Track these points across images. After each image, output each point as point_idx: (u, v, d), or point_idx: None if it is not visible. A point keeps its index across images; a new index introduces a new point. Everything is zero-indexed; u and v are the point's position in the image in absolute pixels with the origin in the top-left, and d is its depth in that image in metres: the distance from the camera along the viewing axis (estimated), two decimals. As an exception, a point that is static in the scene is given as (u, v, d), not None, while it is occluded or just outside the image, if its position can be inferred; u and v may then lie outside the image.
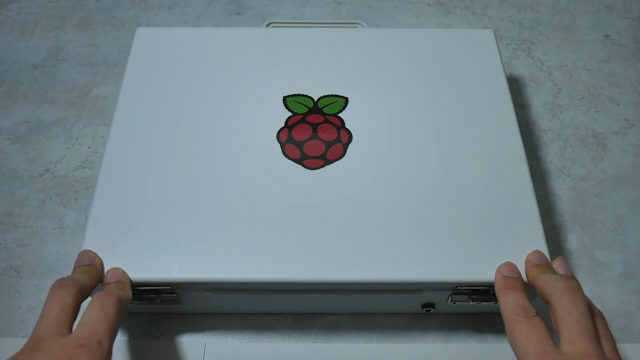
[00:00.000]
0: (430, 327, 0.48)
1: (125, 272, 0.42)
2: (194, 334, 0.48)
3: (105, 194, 0.46)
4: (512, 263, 0.42)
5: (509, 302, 0.38)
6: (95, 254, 0.42)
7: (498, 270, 0.42)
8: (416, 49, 0.57)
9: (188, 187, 0.47)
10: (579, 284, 0.38)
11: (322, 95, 0.53)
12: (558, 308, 0.36)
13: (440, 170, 0.48)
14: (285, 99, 0.53)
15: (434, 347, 0.47)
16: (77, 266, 0.41)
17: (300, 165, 0.48)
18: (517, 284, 0.40)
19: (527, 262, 0.42)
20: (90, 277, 0.40)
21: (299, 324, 0.48)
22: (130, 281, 0.42)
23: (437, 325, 0.48)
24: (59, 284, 0.38)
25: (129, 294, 0.41)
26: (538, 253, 0.42)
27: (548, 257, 0.43)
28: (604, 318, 0.38)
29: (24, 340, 0.48)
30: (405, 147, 0.49)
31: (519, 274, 0.41)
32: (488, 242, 0.44)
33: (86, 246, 0.43)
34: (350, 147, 0.49)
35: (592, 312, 0.37)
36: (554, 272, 0.40)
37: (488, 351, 0.47)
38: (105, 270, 0.42)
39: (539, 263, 0.41)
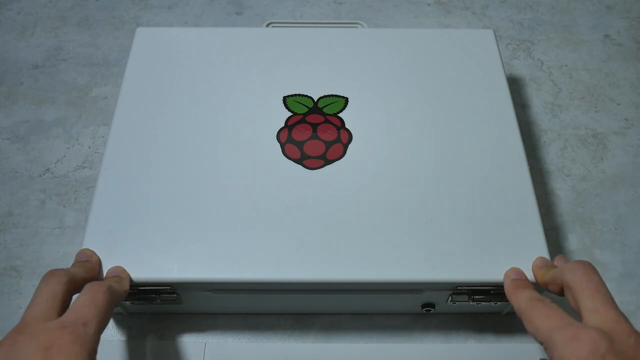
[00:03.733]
0: (430, 327, 0.48)
1: (125, 270, 0.42)
2: (194, 334, 0.48)
3: (105, 194, 0.46)
4: (518, 268, 0.42)
5: (524, 297, 0.38)
6: (93, 252, 0.42)
7: (506, 276, 0.42)
8: (416, 49, 0.57)
9: (188, 187, 0.47)
10: (588, 261, 0.38)
11: (322, 95, 0.53)
12: (573, 284, 0.36)
13: (440, 170, 0.48)
14: (285, 99, 0.53)
15: (434, 347, 0.47)
16: (75, 263, 0.42)
17: (300, 165, 0.48)
18: (527, 284, 0.41)
19: (533, 267, 0.42)
20: (84, 271, 0.40)
21: (299, 324, 0.48)
22: (131, 280, 0.42)
23: (437, 325, 0.48)
24: (50, 273, 0.38)
25: (125, 286, 0.41)
26: (541, 258, 0.43)
27: (548, 257, 0.43)
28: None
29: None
30: (405, 147, 0.49)
31: (526, 277, 0.42)
32: (488, 242, 0.44)
33: (86, 246, 0.43)
34: (350, 147, 0.49)
35: None
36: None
37: (488, 351, 0.47)
38: (105, 269, 0.42)
39: (544, 265, 0.42)
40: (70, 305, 0.36)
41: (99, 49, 0.68)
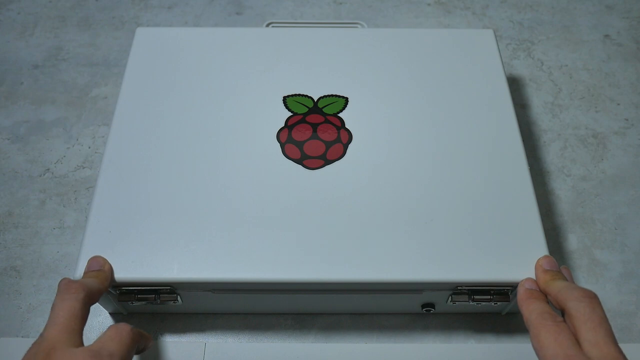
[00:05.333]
0: (430, 327, 0.48)
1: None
2: (194, 334, 0.48)
3: (105, 194, 0.46)
4: (533, 279, 0.42)
5: (535, 309, 0.38)
6: (105, 259, 0.42)
7: (520, 284, 0.42)
8: (416, 49, 0.57)
9: (188, 187, 0.47)
10: (594, 292, 0.38)
11: (322, 95, 0.53)
12: (576, 314, 0.36)
13: (440, 170, 0.48)
14: (285, 99, 0.53)
15: (434, 347, 0.47)
16: (87, 272, 0.41)
17: (300, 165, 0.48)
18: (541, 296, 0.40)
19: (537, 267, 0.42)
20: (98, 282, 0.40)
21: (299, 324, 0.48)
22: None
23: (437, 325, 0.48)
24: (66, 287, 0.37)
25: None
26: (548, 258, 0.42)
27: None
28: None
29: (24, 340, 0.48)
30: (405, 147, 0.49)
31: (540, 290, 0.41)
32: (488, 242, 0.44)
33: (86, 246, 0.43)
34: (350, 147, 0.49)
35: None
36: (565, 279, 0.40)
37: (488, 351, 0.47)
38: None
39: (549, 269, 0.41)
40: (97, 339, 0.36)
41: (99, 49, 0.68)
